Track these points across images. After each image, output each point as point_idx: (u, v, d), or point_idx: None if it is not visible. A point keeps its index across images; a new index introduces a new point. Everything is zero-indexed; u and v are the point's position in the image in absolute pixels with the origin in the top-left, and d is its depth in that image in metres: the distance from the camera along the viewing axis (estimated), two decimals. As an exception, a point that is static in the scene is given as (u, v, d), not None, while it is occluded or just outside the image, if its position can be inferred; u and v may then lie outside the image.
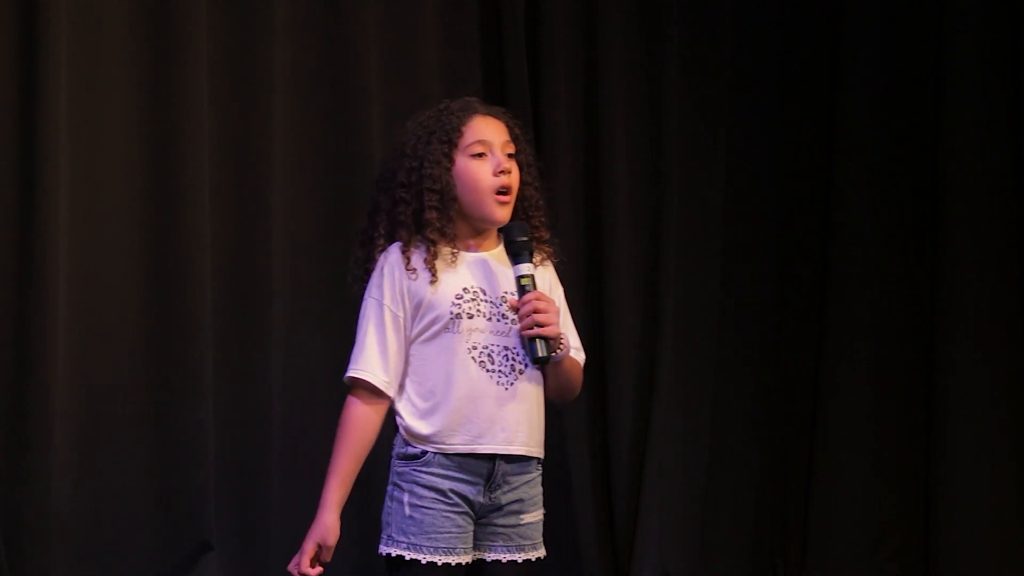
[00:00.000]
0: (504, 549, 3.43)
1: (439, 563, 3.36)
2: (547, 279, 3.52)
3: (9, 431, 4.55)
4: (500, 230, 3.48)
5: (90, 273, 4.70)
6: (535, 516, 3.47)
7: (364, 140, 5.09)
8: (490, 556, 3.43)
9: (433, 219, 3.42)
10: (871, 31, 5.97)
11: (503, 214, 3.46)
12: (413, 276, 3.41)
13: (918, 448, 5.94)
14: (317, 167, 5.08)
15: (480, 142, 3.46)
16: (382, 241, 3.46)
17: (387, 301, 3.41)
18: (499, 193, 3.44)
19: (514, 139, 3.50)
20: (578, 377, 3.55)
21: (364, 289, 3.46)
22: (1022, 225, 5.91)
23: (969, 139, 5.92)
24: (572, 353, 3.52)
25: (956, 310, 5.91)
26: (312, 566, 3.37)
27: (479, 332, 3.41)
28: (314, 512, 3.40)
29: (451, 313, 3.39)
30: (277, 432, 4.93)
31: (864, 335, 5.94)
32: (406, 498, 3.39)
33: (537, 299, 3.39)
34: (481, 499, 3.40)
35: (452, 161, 3.45)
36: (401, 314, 3.41)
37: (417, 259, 3.42)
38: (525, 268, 3.42)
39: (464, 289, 3.42)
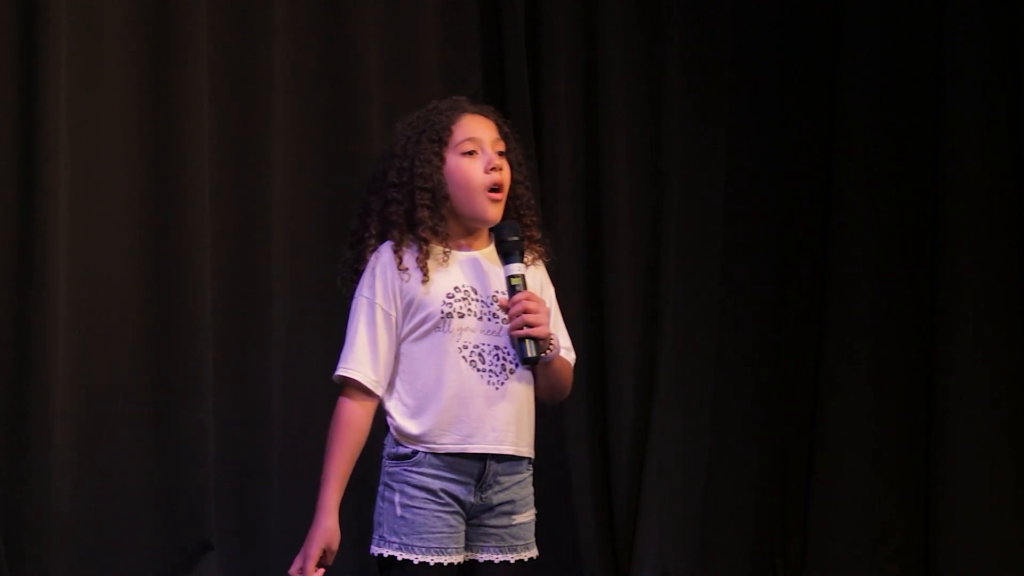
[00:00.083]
0: (496, 550, 3.43)
1: (431, 563, 3.35)
2: (538, 279, 3.52)
3: (9, 431, 4.55)
4: (491, 229, 3.47)
5: (90, 273, 4.70)
6: (527, 516, 3.47)
7: (364, 140, 5.09)
8: (482, 557, 3.43)
9: (425, 217, 3.41)
10: (871, 31, 5.97)
11: (495, 212, 3.46)
12: (405, 275, 3.40)
13: (918, 448, 5.94)
14: (317, 167, 5.08)
15: (470, 140, 3.46)
16: (373, 241, 3.45)
17: (379, 300, 3.41)
18: (491, 191, 3.44)
19: (504, 137, 3.50)
20: (568, 377, 3.55)
21: (354, 290, 3.45)
22: (1022, 225, 5.91)
23: (969, 139, 5.92)
24: (562, 353, 3.51)
25: (956, 310, 5.91)
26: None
27: (470, 331, 3.40)
28: (314, 512, 3.40)
29: (442, 312, 3.39)
30: (277, 432, 4.92)
31: (864, 335, 5.94)
32: (397, 498, 3.38)
33: (527, 299, 3.39)
34: (472, 499, 3.40)
35: (443, 160, 3.45)
36: (393, 312, 3.41)
37: (409, 258, 3.41)
38: (515, 268, 3.42)
39: (455, 288, 3.41)
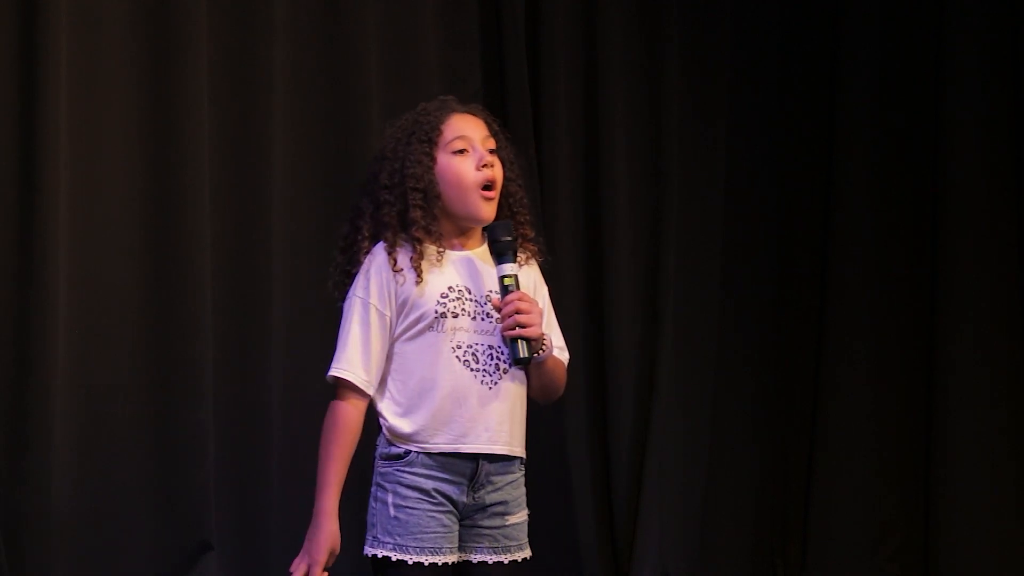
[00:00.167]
0: (490, 551, 3.42)
1: (426, 563, 3.35)
2: (532, 278, 3.51)
3: (9, 431, 4.55)
4: (484, 229, 3.46)
5: (90, 273, 4.70)
6: (520, 517, 3.46)
7: (364, 140, 5.09)
8: (476, 557, 3.42)
9: (418, 218, 3.41)
10: (871, 31, 5.97)
11: (488, 211, 3.45)
12: (400, 276, 3.40)
13: (918, 448, 5.93)
14: (317, 167, 5.08)
15: (461, 138, 3.45)
16: (366, 244, 3.44)
17: (374, 300, 3.40)
18: (484, 189, 3.44)
19: (494, 135, 3.50)
20: (562, 377, 3.54)
21: (345, 294, 3.44)
22: (1022, 225, 5.91)
23: (969, 139, 5.91)
24: (556, 352, 3.50)
25: (956, 310, 5.90)
26: None
27: (463, 331, 3.40)
28: (312, 515, 3.39)
29: (436, 312, 3.38)
30: (277, 432, 4.92)
31: (864, 335, 5.94)
32: (390, 499, 3.38)
33: (520, 299, 3.38)
34: (465, 499, 3.40)
35: (433, 159, 3.44)
36: (388, 313, 3.40)
37: (403, 259, 3.41)
38: (508, 268, 3.41)
39: (449, 288, 3.41)
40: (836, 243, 5.97)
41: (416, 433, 3.38)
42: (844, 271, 5.95)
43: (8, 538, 4.51)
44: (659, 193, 5.73)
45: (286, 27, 5.02)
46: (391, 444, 3.40)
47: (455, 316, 3.39)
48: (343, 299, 3.45)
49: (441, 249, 3.43)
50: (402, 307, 3.40)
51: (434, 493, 3.37)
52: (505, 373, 3.42)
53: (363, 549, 3.39)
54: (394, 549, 3.36)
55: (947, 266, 5.92)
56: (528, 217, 3.52)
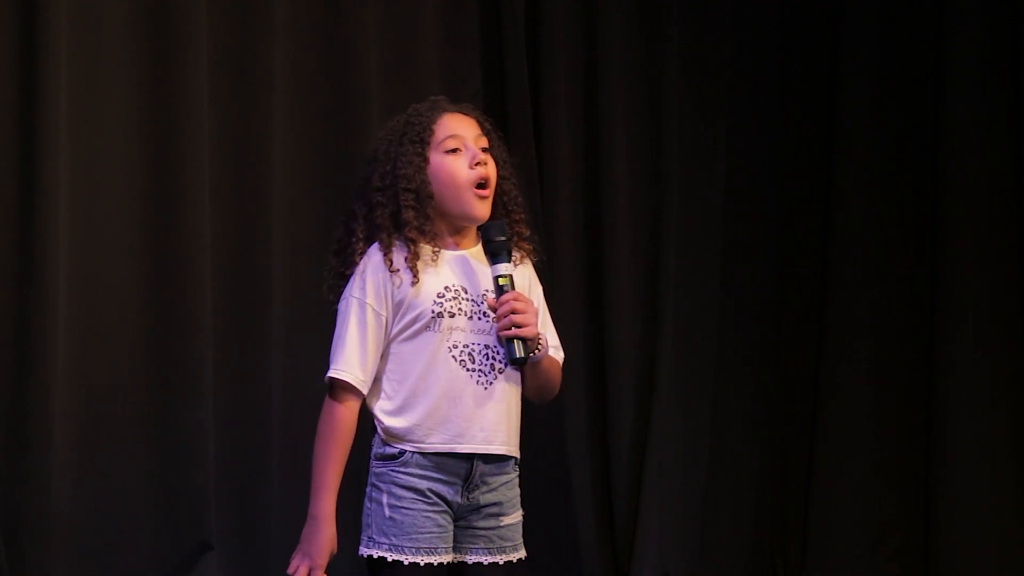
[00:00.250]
0: (485, 551, 3.42)
1: (422, 564, 3.34)
2: (526, 277, 3.50)
3: (9, 431, 4.55)
4: (478, 229, 3.46)
5: (90, 273, 4.70)
6: (514, 518, 3.45)
7: (364, 140, 5.08)
8: (471, 558, 3.41)
9: (411, 218, 3.40)
10: (871, 31, 5.97)
11: (483, 209, 3.44)
12: (395, 277, 3.39)
13: (918, 448, 5.94)
14: (317, 167, 5.08)
15: (453, 137, 3.45)
16: (360, 246, 3.43)
17: (370, 300, 3.39)
18: (478, 187, 3.43)
19: (486, 133, 3.49)
20: (557, 376, 3.53)
21: (340, 296, 3.44)
22: (1022, 225, 5.91)
23: (969, 139, 5.91)
24: (551, 352, 3.49)
25: (956, 310, 5.90)
26: None
27: (460, 331, 3.39)
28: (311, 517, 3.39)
29: (432, 312, 3.38)
30: (277, 432, 4.92)
31: (864, 335, 5.94)
32: (385, 499, 3.37)
33: (515, 299, 3.38)
34: (459, 499, 3.39)
35: (426, 160, 3.43)
36: (384, 313, 3.39)
37: (398, 259, 3.40)
38: (503, 268, 3.40)
39: (446, 288, 3.40)
40: (836, 243, 5.97)
41: (411, 432, 3.37)
42: (844, 271, 5.95)
43: (8, 538, 4.51)
44: (659, 193, 5.73)
45: (286, 27, 5.02)
46: (386, 444, 3.39)
47: (452, 316, 3.39)
48: (338, 301, 3.44)
49: (436, 249, 3.42)
50: (398, 307, 3.39)
51: (429, 493, 3.36)
52: (501, 373, 3.41)
53: (358, 550, 3.39)
54: (390, 549, 3.35)
55: (947, 266, 5.92)
56: (522, 216, 3.51)
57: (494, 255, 3.41)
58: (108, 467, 4.69)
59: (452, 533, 3.39)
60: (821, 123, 5.98)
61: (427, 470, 3.37)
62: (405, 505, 3.36)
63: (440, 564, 3.36)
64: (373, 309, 3.39)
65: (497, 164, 3.47)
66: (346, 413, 3.38)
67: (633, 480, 5.62)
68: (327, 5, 5.13)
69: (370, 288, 3.39)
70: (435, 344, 3.38)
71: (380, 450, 3.40)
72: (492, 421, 3.39)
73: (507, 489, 3.44)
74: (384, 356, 3.40)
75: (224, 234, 4.89)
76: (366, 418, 3.42)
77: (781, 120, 5.94)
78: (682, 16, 5.76)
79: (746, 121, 5.88)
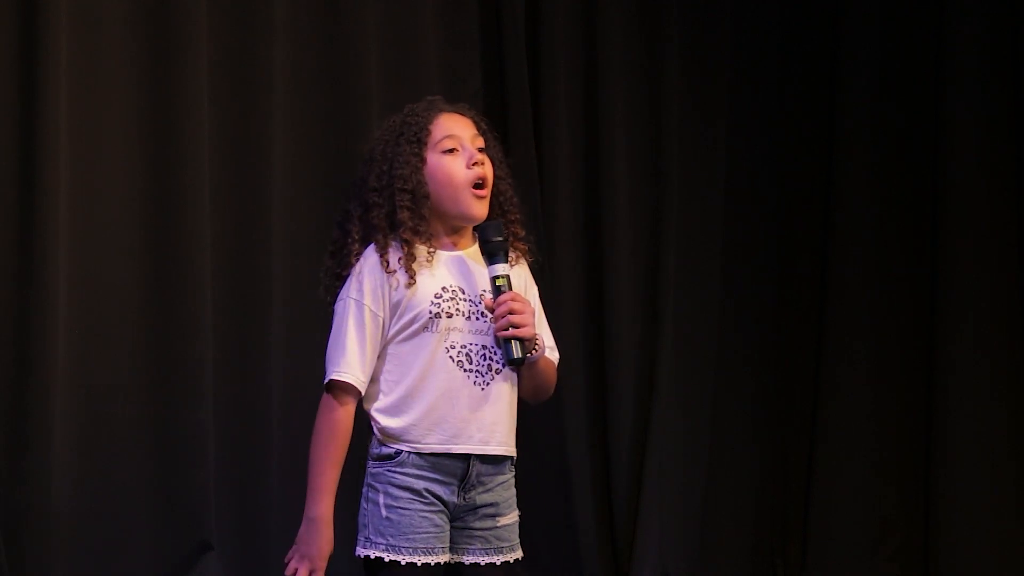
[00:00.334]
0: (482, 552, 3.41)
1: (419, 564, 3.33)
2: (523, 278, 3.50)
3: (9, 431, 4.55)
4: (474, 229, 3.45)
5: (90, 273, 4.70)
6: (511, 518, 3.45)
7: (364, 140, 5.02)
8: (468, 559, 3.41)
9: (406, 219, 3.39)
10: (871, 31, 5.97)
11: (480, 209, 3.44)
12: (392, 278, 3.38)
13: (918, 448, 5.94)
14: (317, 167, 5.08)
15: (449, 137, 3.44)
16: (357, 247, 3.42)
17: (367, 301, 3.39)
18: (475, 187, 3.43)
19: (482, 133, 3.49)
20: (552, 377, 3.53)
21: (336, 298, 3.43)
22: (1022, 225, 5.91)
23: (969, 139, 5.92)
24: (547, 353, 3.49)
25: (956, 310, 5.91)
26: None
27: (457, 331, 3.39)
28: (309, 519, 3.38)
29: (430, 312, 3.37)
30: (277, 432, 4.92)
31: (864, 335, 5.94)
32: (382, 499, 3.37)
33: (512, 300, 3.37)
34: (455, 499, 3.39)
35: (423, 160, 3.43)
36: (381, 314, 3.39)
37: (395, 260, 3.39)
38: (500, 268, 3.40)
39: (443, 288, 3.40)
40: (836, 243, 5.97)
41: (408, 432, 3.37)
42: (844, 271, 5.96)
43: (8, 538, 4.51)
44: (659, 193, 5.73)
45: (286, 27, 5.02)
46: (382, 445, 3.39)
47: (449, 316, 3.39)
48: (334, 303, 3.44)
49: (432, 249, 3.41)
50: (395, 308, 3.39)
51: (425, 493, 3.36)
52: (498, 374, 3.41)
53: (354, 550, 3.38)
54: (386, 550, 3.35)
55: (947, 266, 5.92)
56: (519, 216, 3.50)
57: (491, 255, 3.41)
58: (108, 467, 4.69)
59: (448, 533, 3.39)
60: (821, 123, 5.99)
61: (423, 470, 3.37)
62: (402, 505, 3.35)
63: (437, 564, 3.36)
64: (370, 310, 3.38)
65: (493, 164, 3.47)
66: (345, 415, 3.37)
67: (633, 480, 5.62)
68: (327, 5, 5.13)
69: (367, 289, 3.39)
70: (433, 345, 3.38)
71: (376, 450, 3.39)
72: (489, 421, 3.39)
73: (503, 489, 3.44)
74: (381, 357, 3.40)
75: (224, 234, 4.89)
76: (362, 419, 3.42)
77: (781, 120, 5.94)
78: (682, 16, 5.77)
79: (746, 121, 5.88)
